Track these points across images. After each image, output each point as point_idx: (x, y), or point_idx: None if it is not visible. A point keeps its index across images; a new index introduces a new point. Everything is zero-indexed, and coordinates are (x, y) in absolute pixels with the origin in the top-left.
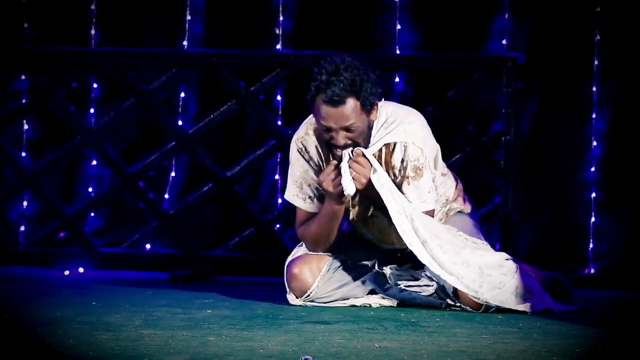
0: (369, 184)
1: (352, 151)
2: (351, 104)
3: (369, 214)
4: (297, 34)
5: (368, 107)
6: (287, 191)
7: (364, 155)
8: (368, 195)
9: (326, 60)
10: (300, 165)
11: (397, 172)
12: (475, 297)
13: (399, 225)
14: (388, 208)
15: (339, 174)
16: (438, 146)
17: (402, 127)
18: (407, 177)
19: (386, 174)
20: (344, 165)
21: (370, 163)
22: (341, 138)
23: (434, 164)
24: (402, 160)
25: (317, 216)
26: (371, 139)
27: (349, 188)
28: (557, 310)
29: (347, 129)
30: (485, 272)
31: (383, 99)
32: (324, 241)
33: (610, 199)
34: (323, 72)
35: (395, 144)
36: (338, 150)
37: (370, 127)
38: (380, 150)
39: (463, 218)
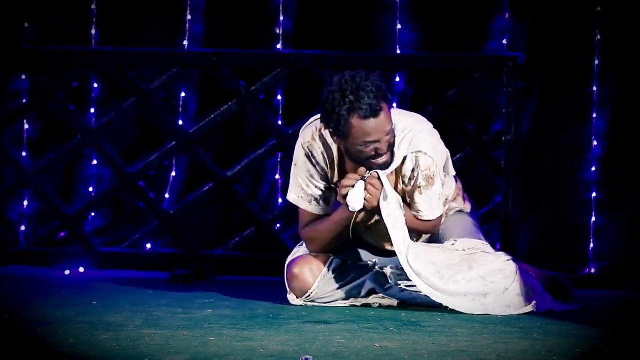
0: (379, 207)
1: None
2: (385, 108)
3: (372, 221)
4: (298, 34)
5: (391, 106)
6: (290, 193)
7: (378, 177)
8: (377, 211)
9: (335, 84)
10: (307, 169)
11: (407, 181)
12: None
13: (400, 254)
14: (392, 238)
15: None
16: (448, 151)
17: (414, 136)
18: (420, 187)
19: (396, 202)
20: (361, 182)
21: (383, 186)
22: (384, 145)
23: (445, 168)
24: (413, 170)
25: (327, 221)
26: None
27: (355, 203)
28: (558, 310)
29: (387, 134)
30: (489, 280)
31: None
32: (330, 246)
33: (610, 199)
34: (346, 93)
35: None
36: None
37: None
38: None
39: (462, 217)
